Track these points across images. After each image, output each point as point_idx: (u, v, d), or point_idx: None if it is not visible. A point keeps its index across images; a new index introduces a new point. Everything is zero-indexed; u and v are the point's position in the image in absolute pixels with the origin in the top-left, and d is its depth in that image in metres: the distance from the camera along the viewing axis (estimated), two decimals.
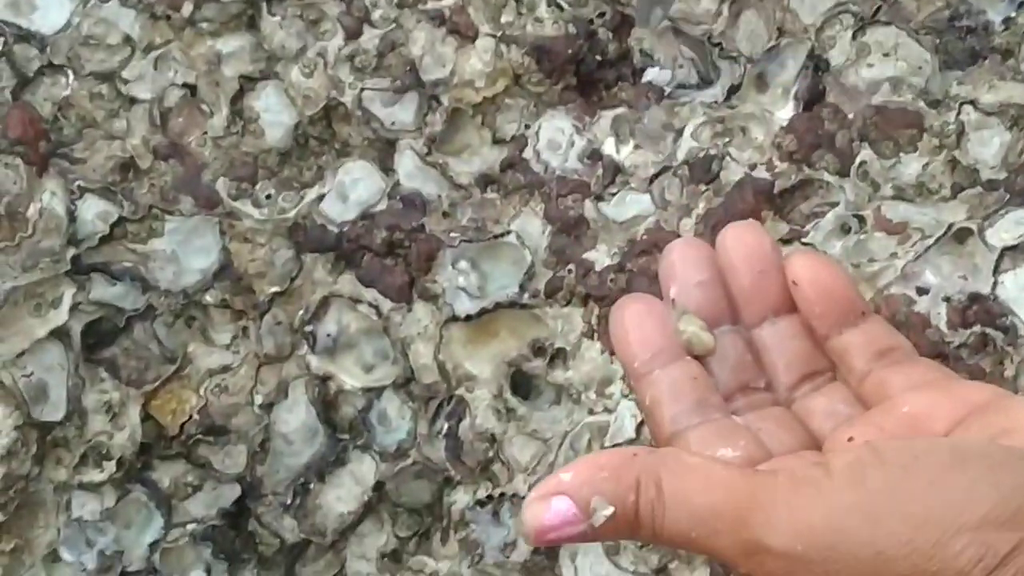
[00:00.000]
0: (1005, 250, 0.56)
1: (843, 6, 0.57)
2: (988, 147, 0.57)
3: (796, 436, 0.39)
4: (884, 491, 0.33)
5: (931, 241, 0.56)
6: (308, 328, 0.59)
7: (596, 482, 0.35)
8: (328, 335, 0.59)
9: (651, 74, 0.58)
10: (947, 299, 0.57)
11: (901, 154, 0.57)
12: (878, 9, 0.57)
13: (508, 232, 0.59)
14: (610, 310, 0.41)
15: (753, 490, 0.34)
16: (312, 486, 0.59)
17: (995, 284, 0.56)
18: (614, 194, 0.59)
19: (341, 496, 0.60)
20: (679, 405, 0.39)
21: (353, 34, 0.58)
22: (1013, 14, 0.57)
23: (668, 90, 0.59)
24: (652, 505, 0.35)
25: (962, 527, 0.32)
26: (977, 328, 0.57)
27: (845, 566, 0.33)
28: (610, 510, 0.34)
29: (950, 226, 0.56)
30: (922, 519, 0.33)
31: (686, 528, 0.34)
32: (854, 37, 0.57)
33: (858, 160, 0.57)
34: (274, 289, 0.59)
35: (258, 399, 0.59)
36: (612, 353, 0.59)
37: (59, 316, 0.57)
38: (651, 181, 0.59)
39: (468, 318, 0.59)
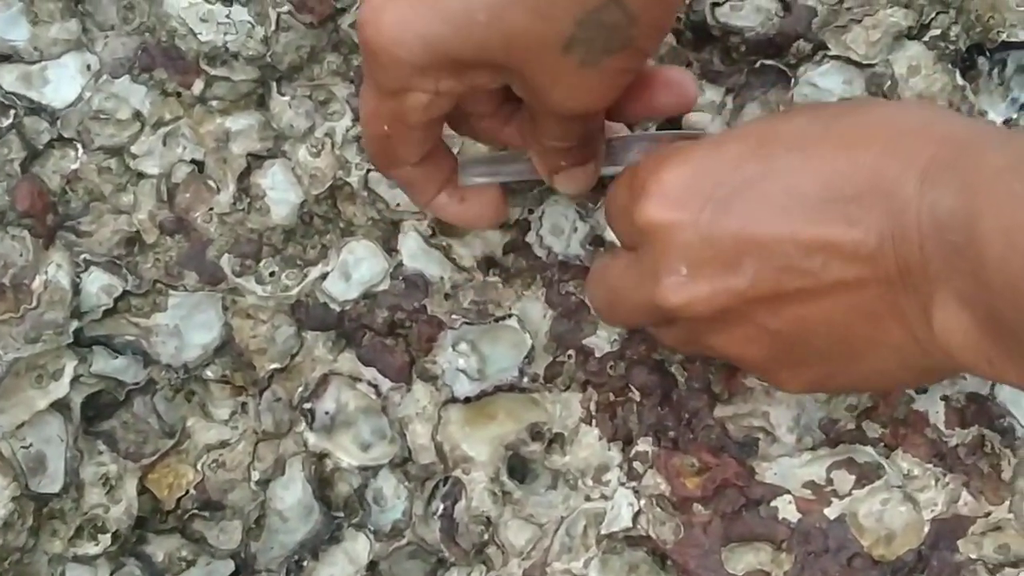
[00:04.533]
0: None
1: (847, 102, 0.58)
2: None
3: None
4: None
5: None
6: (307, 405, 0.59)
7: None
8: (326, 413, 0.60)
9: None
10: (945, 399, 0.57)
11: None
12: None
13: (509, 315, 0.59)
14: None
15: None
16: (306, 564, 0.59)
17: (993, 385, 0.56)
18: None
19: (335, 574, 0.60)
20: None
21: None
22: (1014, 115, 0.58)
23: None
24: None
25: None
26: (975, 429, 0.57)
27: None
28: None
29: None
30: None
31: None
32: None
33: None
34: (274, 366, 0.59)
35: (255, 475, 0.59)
36: (610, 440, 0.59)
37: (60, 388, 0.57)
38: None
39: (467, 400, 0.59)
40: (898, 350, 0.44)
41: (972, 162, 0.40)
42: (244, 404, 0.59)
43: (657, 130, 0.58)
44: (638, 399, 0.59)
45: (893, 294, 0.42)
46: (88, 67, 0.58)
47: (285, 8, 0.57)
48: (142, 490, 0.59)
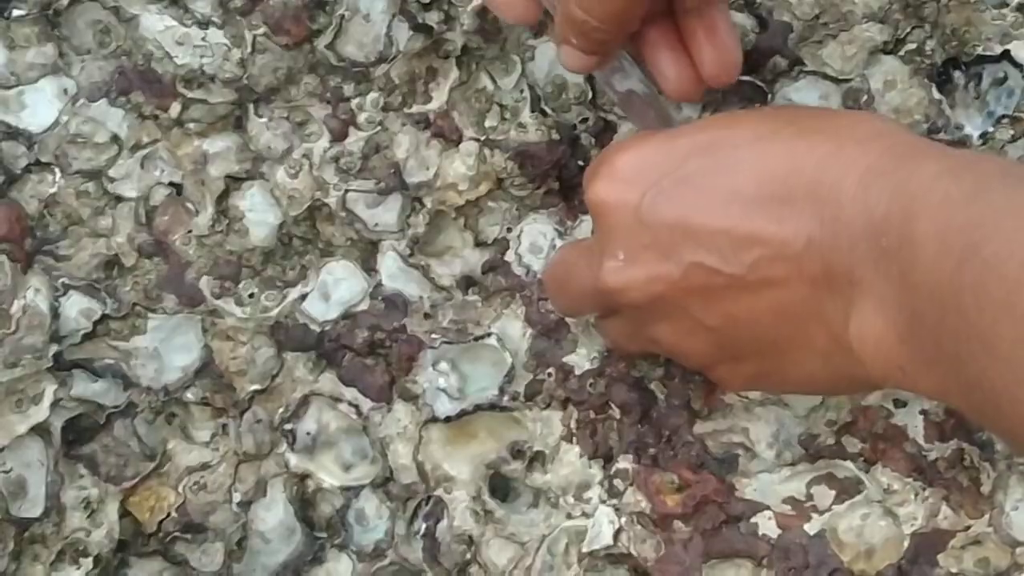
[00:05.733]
0: None
1: None
2: None
3: None
4: None
5: None
6: (288, 426, 0.60)
7: None
8: (308, 433, 0.60)
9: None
10: (924, 412, 0.57)
11: None
12: None
13: (489, 334, 0.59)
14: None
15: None
16: None
17: None
18: None
19: None
20: None
21: (339, 136, 0.59)
22: (991, 129, 0.58)
23: None
24: None
25: None
26: (954, 443, 0.57)
27: None
28: None
29: None
30: None
31: None
32: None
33: None
34: (255, 387, 0.59)
35: (236, 497, 0.59)
36: (591, 457, 0.59)
37: (40, 412, 0.57)
38: None
39: (448, 419, 0.59)
40: (825, 356, 0.45)
41: (909, 169, 0.41)
42: (225, 426, 0.59)
43: None
44: (618, 416, 0.59)
45: (818, 298, 0.43)
46: (65, 91, 0.58)
47: (261, 30, 0.58)
48: (123, 513, 0.58)
